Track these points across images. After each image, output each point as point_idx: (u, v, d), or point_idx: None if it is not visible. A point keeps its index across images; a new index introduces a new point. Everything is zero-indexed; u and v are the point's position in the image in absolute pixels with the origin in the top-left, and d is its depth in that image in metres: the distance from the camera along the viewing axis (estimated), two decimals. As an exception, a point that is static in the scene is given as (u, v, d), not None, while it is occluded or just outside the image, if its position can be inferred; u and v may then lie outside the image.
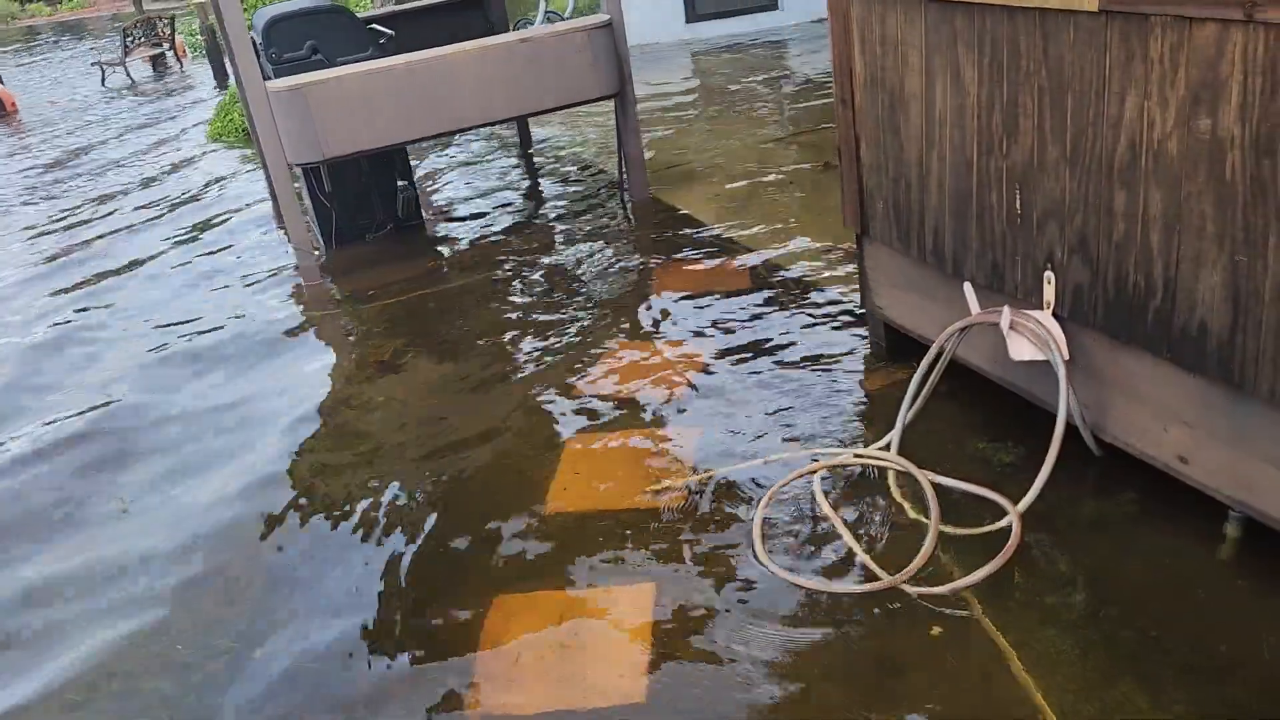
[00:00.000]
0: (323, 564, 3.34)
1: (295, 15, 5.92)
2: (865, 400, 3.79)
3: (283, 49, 5.81)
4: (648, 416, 3.89)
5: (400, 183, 6.28)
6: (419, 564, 3.26)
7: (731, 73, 9.81)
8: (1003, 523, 2.92)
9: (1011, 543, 2.78)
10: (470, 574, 3.16)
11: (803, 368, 4.07)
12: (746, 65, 10.07)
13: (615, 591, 2.99)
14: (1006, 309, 2.95)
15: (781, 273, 5.02)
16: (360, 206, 6.32)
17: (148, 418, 4.56)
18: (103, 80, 16.69)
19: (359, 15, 6.74)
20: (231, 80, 12.40)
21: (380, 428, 4.14)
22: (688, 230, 5.80)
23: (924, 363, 3.28)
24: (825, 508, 3.11)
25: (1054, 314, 2.98)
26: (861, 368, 4.02)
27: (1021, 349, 2.90)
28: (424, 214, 6.69)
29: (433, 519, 3.47)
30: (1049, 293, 2.97)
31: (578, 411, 4.01)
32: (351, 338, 5.13)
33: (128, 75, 16.84)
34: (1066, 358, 2.89)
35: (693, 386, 4.05)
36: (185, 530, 3.64)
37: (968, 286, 3.15)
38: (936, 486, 3.07)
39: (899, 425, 3.30)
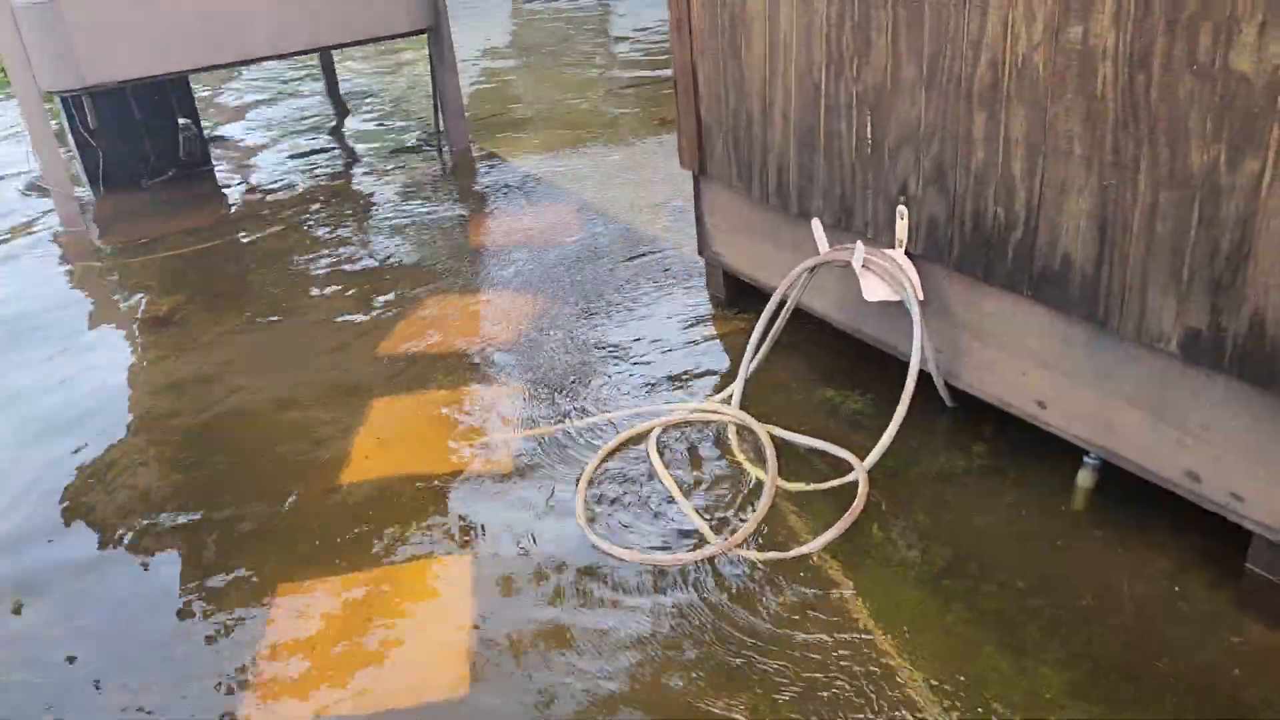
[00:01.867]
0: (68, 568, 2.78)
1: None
2: (704, 354, 3.50)
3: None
4: (462, 376, 3.48)
5: (181, 121, 5.56)
6: (190, 555, 2.74)
7: (555, 24, 9.38)
8: (848, 478, 2.69)
9: (858, 502, 2.55)
10: (250, 560, 2.67)
11: (635, 321, 3.75)
12: (572, 19, 9.67)
13: (427, 569, 2.58)
14: (860, 245, 2.71)
15: (610, 223, 4.68)
16: (133, 147, 5.55)
17: None
18: None
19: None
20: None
21: (147, 390, 3.55)
22: (510, 180, 5.37)
23: (768, 309, 3.02)
24: (660, 469, 2.80)
25: (906, 252, 2.76)
26: (700, 319, 3.73)
27: (875, 289, 2.67)
28: (212, 158, 5.97)
29: (204, 497, 2.95)
30: (901, 229, 2.75)
31: (381, 372, 3.55)
32: (119, 294, 4.44)
33: None
34: (921, 298, 2.68)
35: (513, 344, 3.66)
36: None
37: (816, 223, 2.89)
38: (779, 442, 2.81)
39: (741, 378, 3.03)
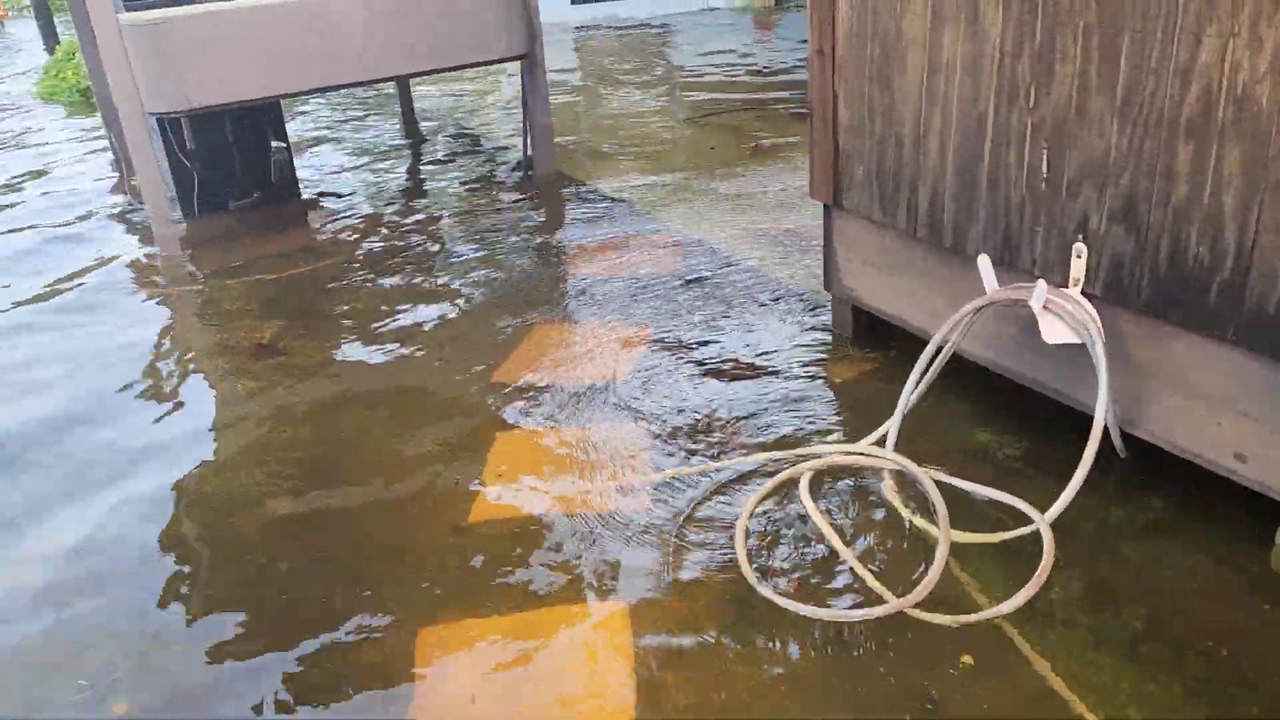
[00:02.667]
0: (210, 596, 2.66)
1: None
2: (836, 393, 3.36)
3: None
4: (583, 409, 3.35)
5: (275, 144, 5.52)
6: (319, 597, 2.62)
7: (624, 55, 9.35)
8: (1023, 531, 2.53)
9: (1046, 559, 2.38)
10: (386, 604, 2.55)
11: (756, 356, 3.61)
12: (638, 49, 9.63)
13: (577, 616, 2.44)
14: (1042, 284, 2.56)
15: (711, 254, 4.56)
16: (226, 169, 5.52)
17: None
18: (-92, 34, 14.85)
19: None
20: (65, 36, 11.12)
21: (263, 418, 3.45)
22: (601, 207, 5.28)
23: (927, 351, 2.86)
24: (818, 518, 2.65)
25: (1083, 292, 2.61)
26: (827, 356, 3.59)
27: (1055, 330, 2.51)
28: (299, 187, 5.93)
29: (326, 534, 2.83)
30: (1079, 268, 2.60)
31: (497, 403, 3.43)
32: (219, 320, 4.37)
33: (-62, 30, 15.04)
34: (1104, 340, 2.52)
35: (630, 377, 3.53)
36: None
37: (984, 261, 2.75)
38: (942, 489, 2.65)
39: (896, 420, 2.87)
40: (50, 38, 12.53)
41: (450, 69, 5.34)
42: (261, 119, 5.51)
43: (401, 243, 5.04)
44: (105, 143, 6.94)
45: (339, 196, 5.86)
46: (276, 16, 4.72)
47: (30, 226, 5.65)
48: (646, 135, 6.58)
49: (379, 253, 4.93)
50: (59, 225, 5.67)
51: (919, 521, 2.64)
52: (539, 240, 4.94)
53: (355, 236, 5.17)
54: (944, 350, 2.84)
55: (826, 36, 3.24)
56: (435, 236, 5.11)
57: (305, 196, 5.88)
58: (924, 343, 2.95)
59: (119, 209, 5.84)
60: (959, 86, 2.81)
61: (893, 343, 3.54)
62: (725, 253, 4.55)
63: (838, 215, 3.50)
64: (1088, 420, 2.59)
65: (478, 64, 5.39)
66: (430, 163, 6.52)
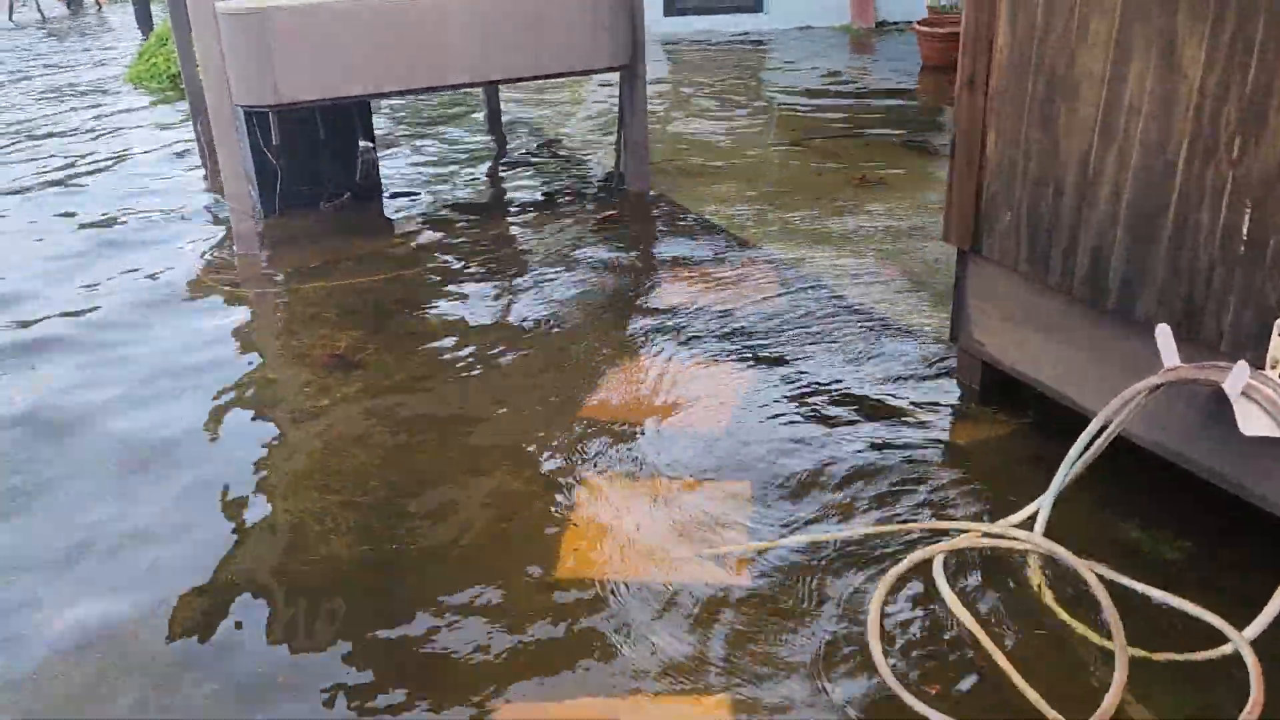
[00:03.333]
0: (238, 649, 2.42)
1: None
2: (962, 458, 3.03)
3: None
4: (676, 457, 3.06)
5: (362, 143, 5.33)
6: (387, 670, 2.36)
7: (718, 70, 9.06)
8: (1221, 651, 2.16)
9: (1256, 693, 2.02)
10: (457, 674, 2.28)
11: (868, 408, 3.29)
12: (733, 65, 9.34)
13: (672, 708, 2.15)
14: (1244, 365, 2.21)
15: (814, 287, 4.25)
16: (312, 168, 5.35)
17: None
18: (10, 14, 15.14)
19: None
20: (159, 20, 11.19)
21: (334, 449, 3.22)
22: (696, 231, 4.99)
23: (1088, 431, 2.51)
24: (961, 613, 2.32)
25: (1282, 376, 2.26)
26: (951, 415, 3.25)
27: (1255, 421, 2.16)
28: (384, 187, 5.74)
29: (398, 585, 2.57)
30: (1279, 348, 2.24)
31: (584, 444, 3.15)
32: (295, 326, 4.16)
33: (38, 9, 15.31)
34: (1312, 436, 2.16)
35: (728, 427, 3.23)
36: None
37: (1163, 331, 2.40)
38: (1109, 588, 2.31)
39: (1048, 500, 2.54)
40: (145, 23, 12.65)
41: (549, 76, 5.11)
42: (350, 117, 5.33)
43: (484, 254, 4.81)
44: (192, 133, 6.84)
45: (423, 200, 5.66)
46: (374, 13, 4.52)
47: (112, 219, 5.53)
48: (742, 155, 6.29)
49: (460, 264, 4.70)
50: (141, 214, 5.55)
51: (1078, 625, 2.30)
52: (629, 261, 4.67)
53: (437, 244, 4.95)
54: (1107, 430, 2.50)
55: (980, 66, 2.93)
56: (520, 251, 4.87)
57: (389, 198, 5.69)
58: (1067, 410, 2.62)
59: (204, 203, 5.71)
60: (1143, 131, 2.47)
61: (1028, 407, 3.19)
62: (831, 288, 4.24)
63: (974, 262, 3.17)
64: (1272, 522, 2.23)
65: (578, 73, 5.15)
66: (517, 172, 6.30)
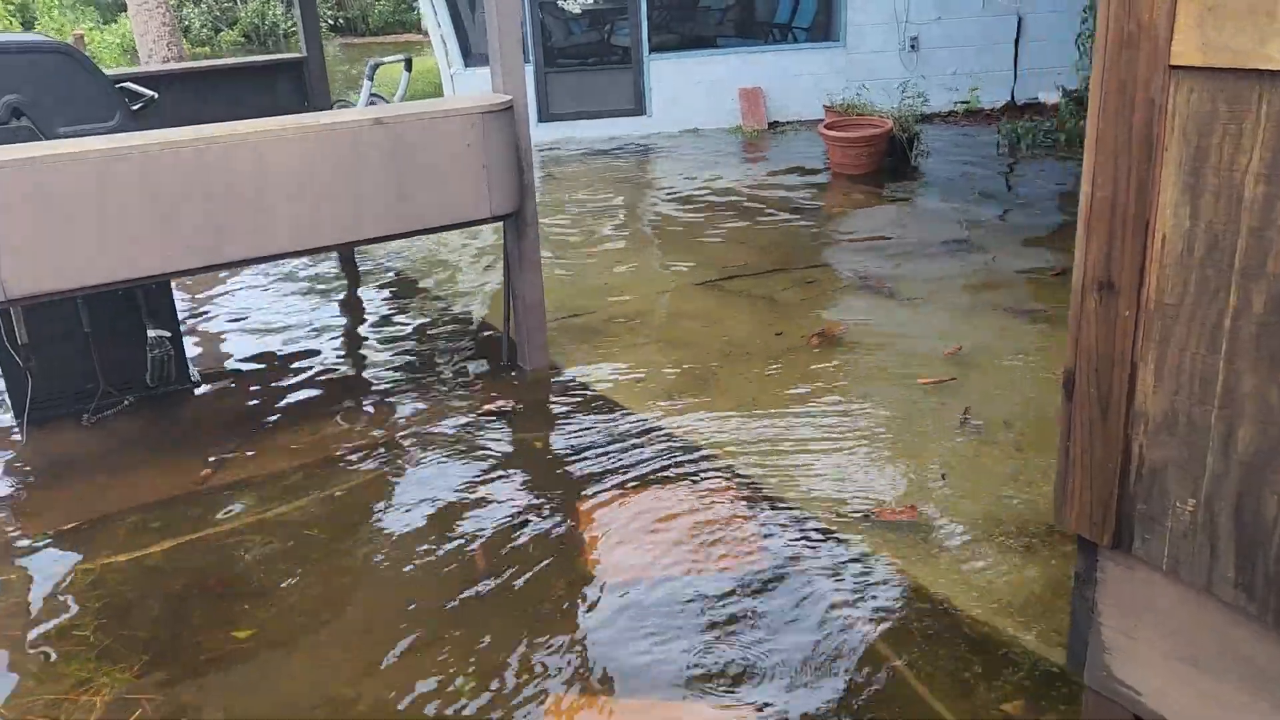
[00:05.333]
0: None
1: (-16, 53, 3.56)
2: None
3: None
4: None
5: (153, 333, 3.90)
6: None
7: (603, 186, 7.96)
8: None
9: None
10: None
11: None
12: (619, 178, 8.26)
13: None
14: None
15: (801, 530, 3.03)
16: (77, 367, 3.89)
17: None
18: None
19: (107, 72, 4.43)
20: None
21: None
22: (619, 432, 3.73)
23: None
24: None
25: None
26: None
27: None
28: (192, 376, 4.30)
29: None
30: None
31: None
32: (29, 666, 2.68)
33: None
34: None
35: None
36: None
37: None
38: None
39: None
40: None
41: (413, 234, 3.83)
42: (132, 298, 3.92)
43: (327, 491, 3.43)
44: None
45: (239, 391, 4.24)
46: (158, 165, 3.17)
47: None
48: (653, 302, 5.11)
49: (295, 514, 3.31)
50: None
51: None
52: (533, 498, 3.36)
53: (256, 481, 3.54)
54: None
55: (1123, 260, 1.79)
56: (374, 482, 3.50)
57: (202, 392, 4.25)
58: None
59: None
60: None
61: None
62: (816, 525, 3.04)
63: (1115, 564, 2.00)
64: None
65: (451, 227, 3.89)
66: (376, 330, 4.95)
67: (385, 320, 5.17)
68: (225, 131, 3.30)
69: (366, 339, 4.93)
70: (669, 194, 7.57)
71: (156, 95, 4.44)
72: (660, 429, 3.72)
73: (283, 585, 2.89)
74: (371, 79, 8.32)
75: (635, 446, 3.60)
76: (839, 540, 2.97)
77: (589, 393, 4.07)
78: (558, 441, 3.71)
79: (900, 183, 7.53)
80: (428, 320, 5.10)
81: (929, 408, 3.77)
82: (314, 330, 5.00)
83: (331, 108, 5.85)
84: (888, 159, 7.85)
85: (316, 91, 6.00)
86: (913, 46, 9.98)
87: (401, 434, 3.80)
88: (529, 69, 9.73)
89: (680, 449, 3.57)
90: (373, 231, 3.66)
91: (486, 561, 2.97)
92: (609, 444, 3.64)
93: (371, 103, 9.17)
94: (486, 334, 4.80)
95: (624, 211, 7.16)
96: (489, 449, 3.66)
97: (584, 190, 7.83)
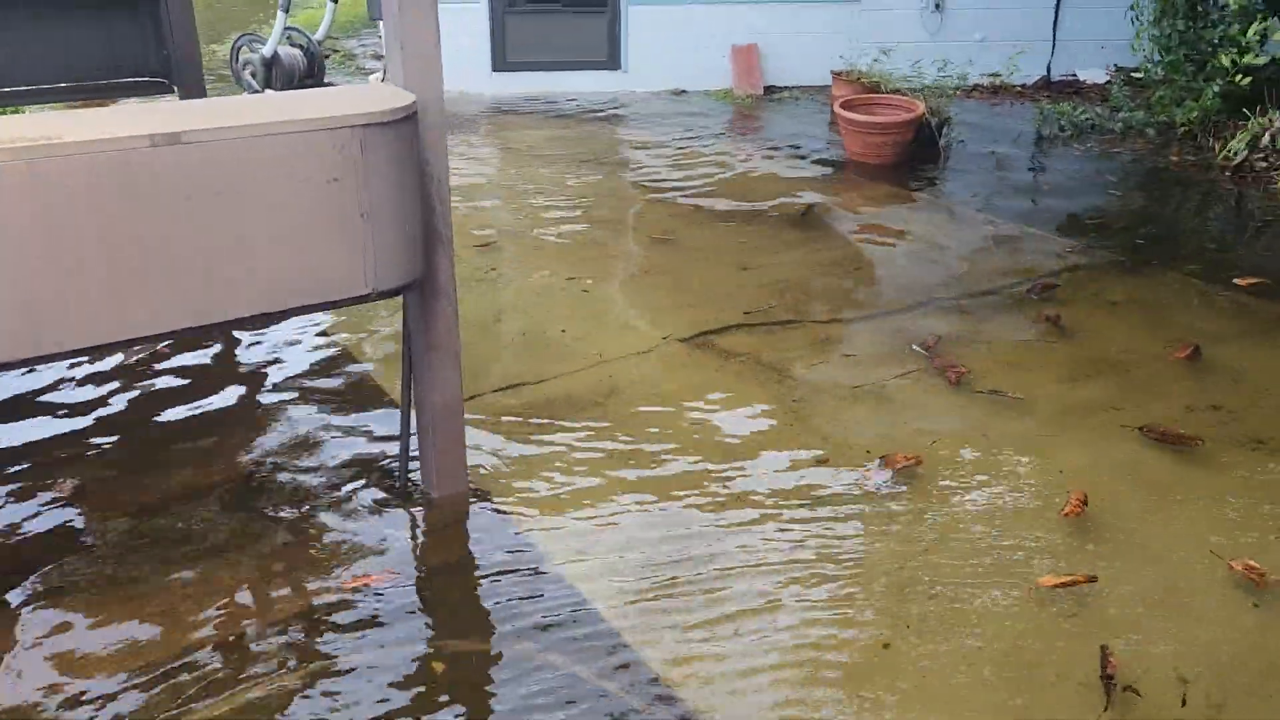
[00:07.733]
0: None
1: None
2: None
3: None
4: None
5: None
6: None
7: (563, 165, 6.41)
8: None
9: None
10: None
11: None
12: (582, 153, 6.71)
13: None
14: None
15: None
16: None
17: None
18: None
19: None
20: None
21: None
22: (561, 617, 2.34)
23: None
24: None
25: None
26: None
27: None
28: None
29: None
30: None
31: None
32: None
33: None
34: None
35: None
36: None
37: None
38: None
39: None
40: None
41: (234, 324, 2.36)
42: None
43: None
44: None
45: (22, 588, 2.78)
46: None
47: None
48: (625, 378, 3.68)
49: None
50: None
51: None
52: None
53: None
54: None
55: None
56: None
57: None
58: None
59: None
60: None
61: None
62: None
63: None
64: None
65: (308, 309, 2.40)
66: (248, 476, 3.48)
67: (281, 443, 3.67)
68: None
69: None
70: (643, 174, 6.06)
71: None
72: (612, 615, 2.31)
73: None
74: (287, 10, 6.62)
75: (574, 648, 2.20)
76: None
77: (526, 554, 2.66)
78: (474, 619, 2.29)
79: (931, 179, 6.11)
80: (328, 429, 3.61)
81: (1049, 638, 2.41)
82: (148, 436, 3.51)
83: (232, 58, 4.29)
84: (913, 146, 6.41)
85: (178, 30, 4.39)
86: (937, 6, 8.47)
87: (277, 603, 2.36)
88: (482, 7, 8.11)
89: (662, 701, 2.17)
90: (171, 323, 2.17)
91: None
92: (542, 624, 2.23)
93: (287, 41, 7.38)
94: (382, 434, 3.30)
95: (584, 201, 5.65)
96: (390, 636, 2.23)
97: (541, 165, 6.30)
